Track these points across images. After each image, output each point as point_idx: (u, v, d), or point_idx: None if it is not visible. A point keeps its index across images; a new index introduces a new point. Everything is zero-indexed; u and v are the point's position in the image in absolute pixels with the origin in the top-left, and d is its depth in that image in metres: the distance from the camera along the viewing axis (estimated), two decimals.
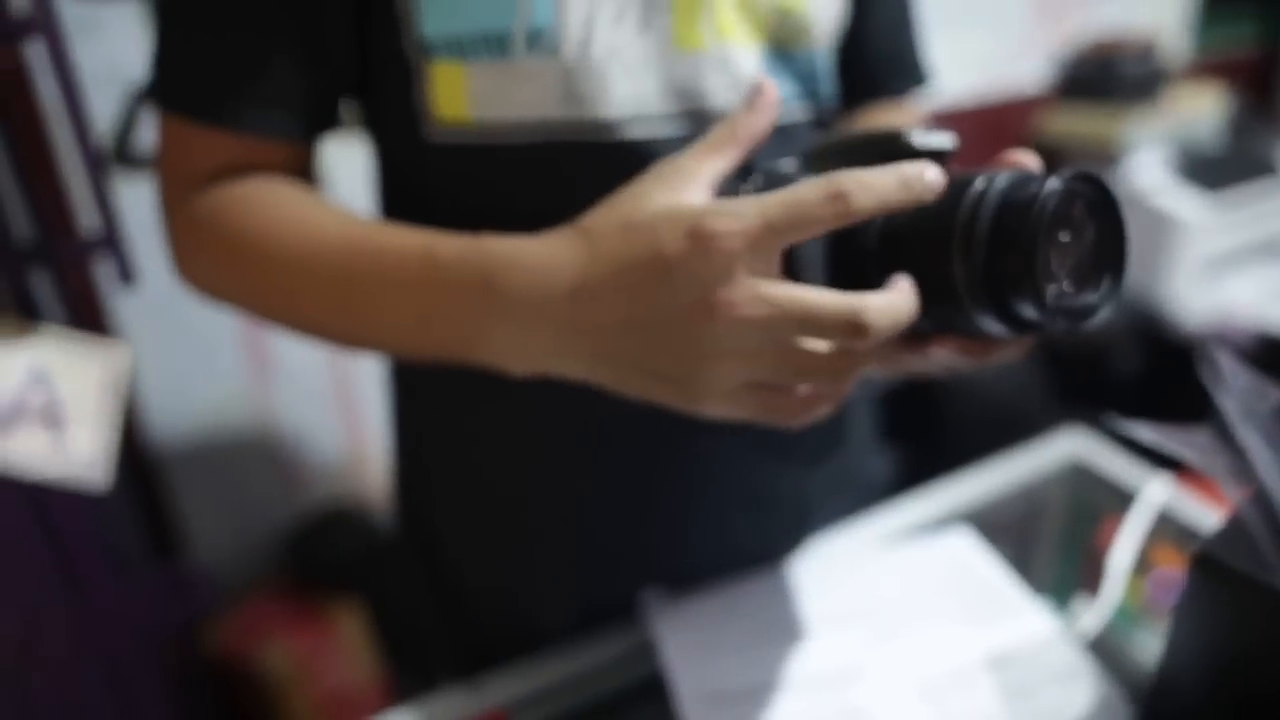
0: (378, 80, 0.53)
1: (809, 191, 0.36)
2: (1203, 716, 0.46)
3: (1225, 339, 1.62)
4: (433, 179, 0.53)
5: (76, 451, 0.64)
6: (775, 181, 0.40)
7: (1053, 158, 1.82)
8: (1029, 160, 0.40)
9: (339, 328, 0.50)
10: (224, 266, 0.51)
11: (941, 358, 0.42)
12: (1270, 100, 2.15)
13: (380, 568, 1.30)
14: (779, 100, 0.42)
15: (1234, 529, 0.44)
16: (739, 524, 0.64)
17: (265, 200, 0.50)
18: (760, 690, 0.55)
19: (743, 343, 0.37)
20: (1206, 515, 0.71)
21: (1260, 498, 0.43)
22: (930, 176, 0.37)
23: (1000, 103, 1.77)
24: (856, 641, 0.58)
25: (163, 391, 1.18)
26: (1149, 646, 0.61)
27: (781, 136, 0.55)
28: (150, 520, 1.19)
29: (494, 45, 0.48)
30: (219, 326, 1.19)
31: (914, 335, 0.41)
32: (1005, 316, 0.37)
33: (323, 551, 1.29)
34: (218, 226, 0.50)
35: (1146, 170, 1.66)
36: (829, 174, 0.37)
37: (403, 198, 0.56)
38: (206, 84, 0.49)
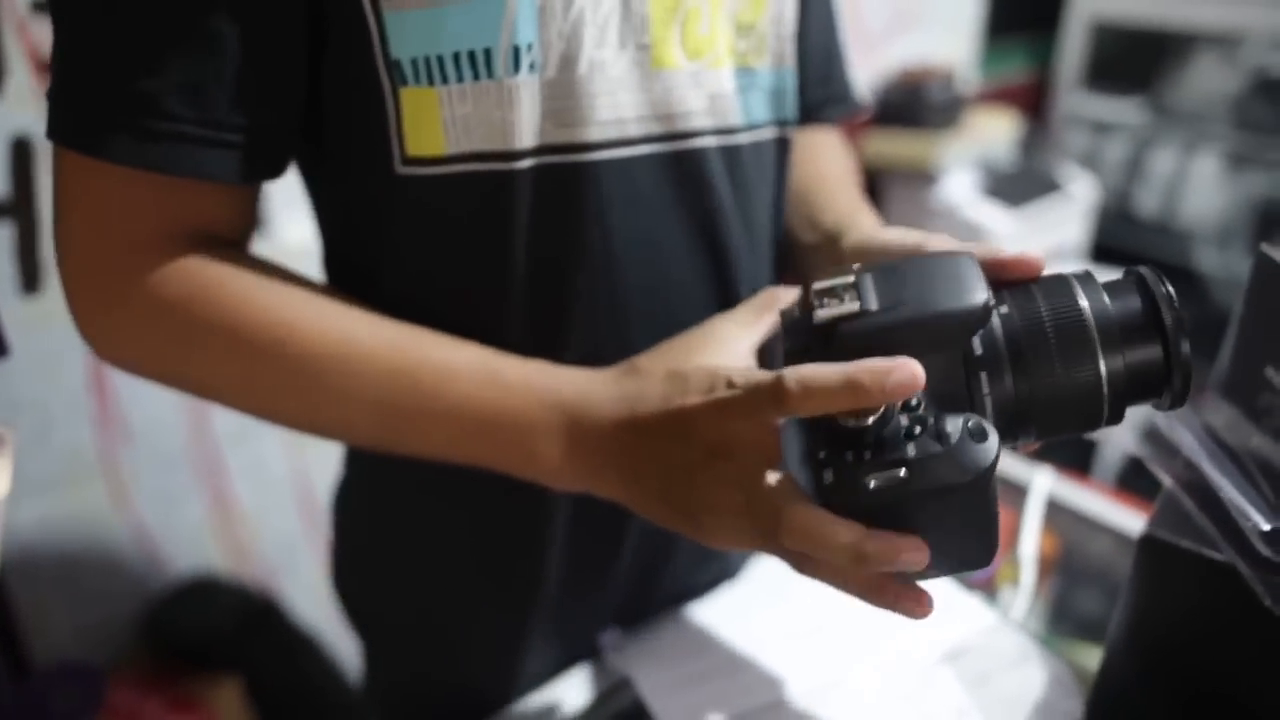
0: (336, 114, 0.49)
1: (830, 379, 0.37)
2: (1153, 688, 0.51)
3: None
4: (401, 213, 0.50)
5: None
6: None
7: (875, 178, 1.96)
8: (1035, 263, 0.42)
9: (373, 437, 0.49)
10: (216, 362, 0.47)
11: None
12: (1044, 123, 2.41)
13: (256, 640, 1.21)
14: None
15: (1167, 511, 0.50)
16: (698, 561, 0.65)
17: (278, 297, 0.46)
18: (748, 715, 0.56)
19: (736, 500, 0.41)
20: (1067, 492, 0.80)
21: (1193, 480, 0.49)
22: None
23: None
24: (822, 656, 0.61)
25: None
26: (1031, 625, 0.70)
27: (754, 153, 0.56)
28: None
29: (474, 65, 0.45)
30: (52, 393, 1.07)
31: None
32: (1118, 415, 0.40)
33: (191, 629, 1.18)
34: (207, 316, 0.45)
35: (958, 189, 1.82)
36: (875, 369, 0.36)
37: (361, 230, 0.53)
38: (152, 127, 0.42)
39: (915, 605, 0.39)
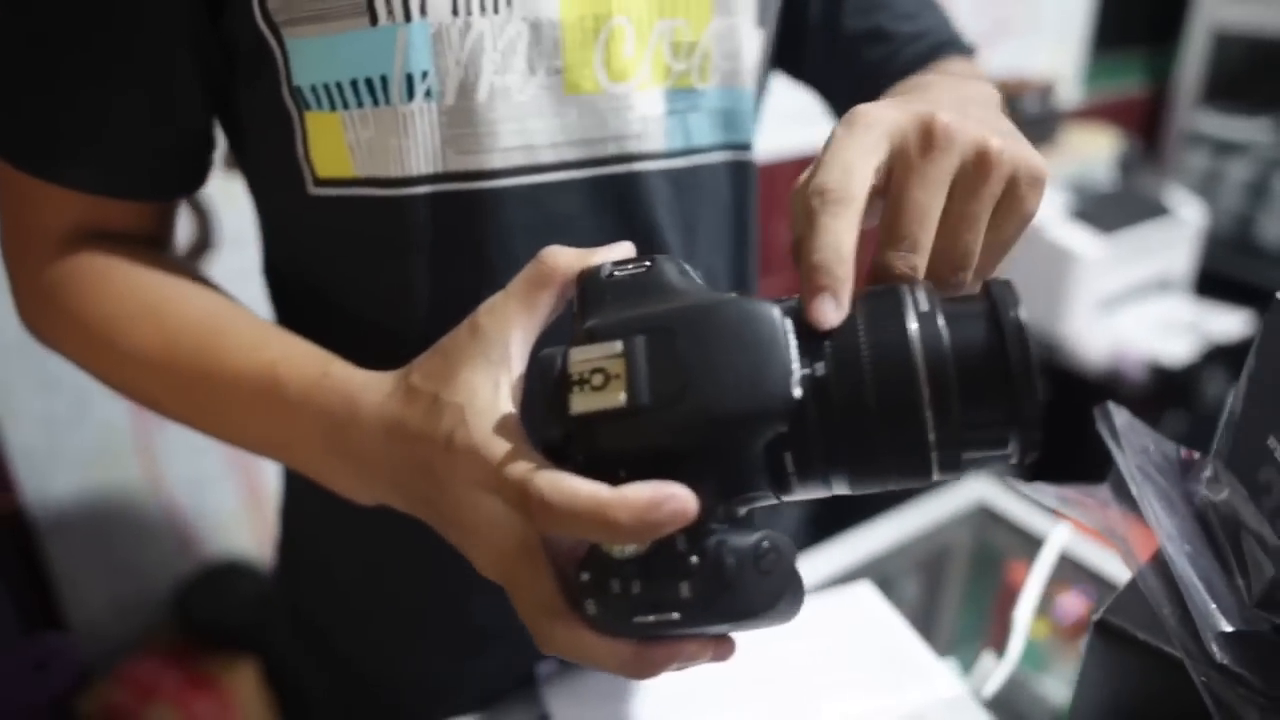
0: (251, 134, 0.50)
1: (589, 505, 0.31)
2: None
3: (1120, 369, 1.68)
4: (315, 231, 0.51)
5: None
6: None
7: None
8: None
9: (197, 429, 0.50)
10: (75, 346, 0.50)
11: None
12: (1157, 140, 2.25)
13: (277, 625, 1.23)
14: (626, 251, 0.39)
15: (1135, 592, 0.44)
16: None
17: (118, 288, 0.48)
18: None
19: (494, 572, 0.37)
20: (1104, 556, 0.72)
21: (1158, 562, 0.43)
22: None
23: None
24: (763, 713, 0.56)
25: (33, 445, 1.10)
26: (1055, 691, 0.61)
27: (695, 177, 0.53)
28: (22, 586, 1.11)
29: (371, 92, 0.45)
30: None
31: None
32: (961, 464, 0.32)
33: (215, 609, 1.21)
34: (70, 305, 0.48)
35: (1045, 210, 1.71)
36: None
37: (286, 246, 0.55)
38: (48, 139, 0.46)
39: (716, 659, 0.36)
